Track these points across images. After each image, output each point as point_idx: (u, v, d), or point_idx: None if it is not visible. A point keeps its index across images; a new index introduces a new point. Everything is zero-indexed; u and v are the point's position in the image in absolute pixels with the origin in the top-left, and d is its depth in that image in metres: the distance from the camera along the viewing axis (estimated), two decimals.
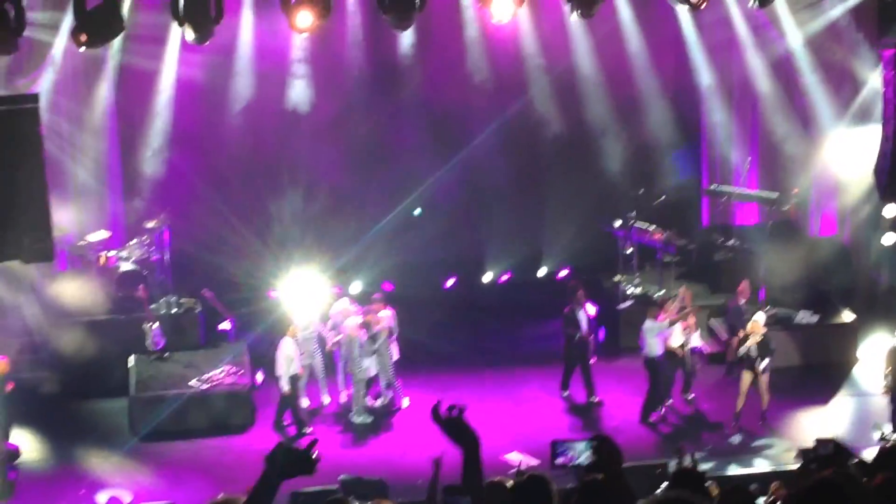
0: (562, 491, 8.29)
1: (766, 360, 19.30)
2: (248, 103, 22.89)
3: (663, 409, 19.92)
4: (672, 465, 15.63)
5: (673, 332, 19.80)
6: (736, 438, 19.25)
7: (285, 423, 19.75)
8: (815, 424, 19.41)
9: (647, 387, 19.88)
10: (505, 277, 24.44)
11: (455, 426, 7.17)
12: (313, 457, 6.36)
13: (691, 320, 19.94)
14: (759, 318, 19.61)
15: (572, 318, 20.41)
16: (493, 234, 24.31)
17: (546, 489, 8.16)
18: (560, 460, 12.65)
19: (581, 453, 12.10)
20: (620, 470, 8.01)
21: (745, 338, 19.33)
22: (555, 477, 8.31)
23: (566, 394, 20.68)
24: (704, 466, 17.00)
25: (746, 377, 19.42)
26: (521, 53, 23.28)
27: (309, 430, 19.49)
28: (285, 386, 19.42)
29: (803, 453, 17.04)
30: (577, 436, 18.40)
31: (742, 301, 20.71)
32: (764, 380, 19.37)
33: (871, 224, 22.73)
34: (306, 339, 20.09)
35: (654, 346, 19.74)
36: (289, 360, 19.43)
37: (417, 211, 24.19)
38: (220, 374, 20.62)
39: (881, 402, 19.14)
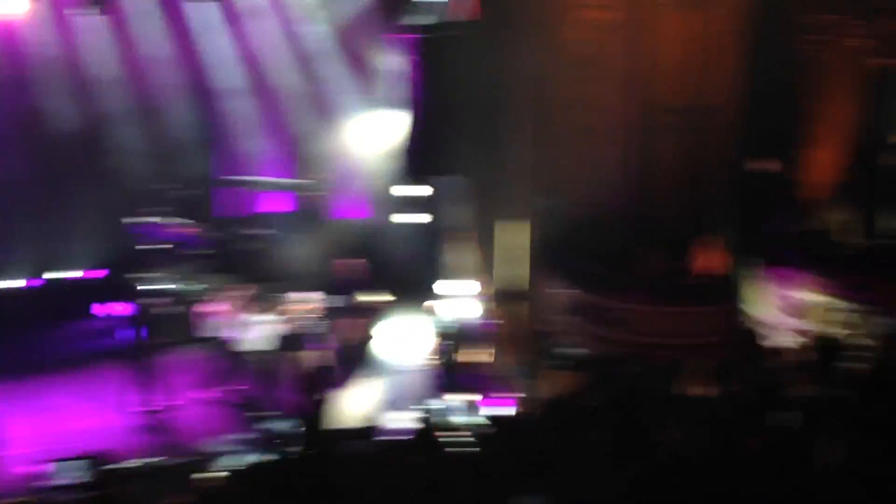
0: None
1: (313, 344, 19.47)
2: None
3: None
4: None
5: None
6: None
7: None
8: (351, 406, 19.64)
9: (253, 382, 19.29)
10: (26, 283, 23.36)
11: None
12: None
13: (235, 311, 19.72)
14: (306, 299, 19.75)
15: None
16: (11, 238, 23.14)
17: None
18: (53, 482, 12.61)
19: (64, 472, 12.12)
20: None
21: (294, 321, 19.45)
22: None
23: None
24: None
25: (293, 358, 19.35)
26: (27, 45, 22.34)
27: None
28: None
29: None
30: (117, 441, 17.70)
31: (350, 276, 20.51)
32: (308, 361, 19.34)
33: (394, 206, 23.33)
34: None
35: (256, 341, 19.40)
36: None
37: None
38: None
39: (412, 377, 19.53)
